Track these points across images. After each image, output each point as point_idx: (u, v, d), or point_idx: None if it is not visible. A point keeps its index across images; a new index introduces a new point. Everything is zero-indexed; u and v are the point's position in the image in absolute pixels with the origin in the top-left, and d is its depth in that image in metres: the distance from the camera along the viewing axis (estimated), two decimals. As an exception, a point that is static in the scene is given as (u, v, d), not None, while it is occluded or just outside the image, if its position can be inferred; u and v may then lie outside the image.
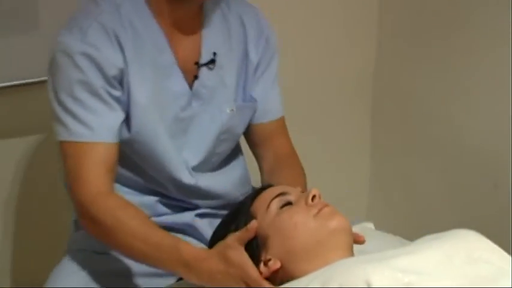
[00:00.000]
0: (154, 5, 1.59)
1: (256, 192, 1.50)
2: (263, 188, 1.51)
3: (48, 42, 1.92)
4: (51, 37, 1.91)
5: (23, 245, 2.18)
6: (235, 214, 1.50)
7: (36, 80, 1.95)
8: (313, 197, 1.42)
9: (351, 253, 1.41)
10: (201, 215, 1.71)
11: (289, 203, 1.44)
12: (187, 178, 1.66)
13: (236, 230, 1.44)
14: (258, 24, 1.72)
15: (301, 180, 1.71)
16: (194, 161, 1.66)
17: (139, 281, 1.64)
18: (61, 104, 1.53)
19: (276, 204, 1.44)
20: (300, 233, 1.39)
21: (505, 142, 2.08)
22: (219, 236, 1.49)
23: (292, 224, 1.39)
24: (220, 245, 1.39)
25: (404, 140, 2.41)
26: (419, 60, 2.32)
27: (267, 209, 1.43)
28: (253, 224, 1.37)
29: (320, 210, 1.40)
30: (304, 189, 1.64)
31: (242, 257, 1.35)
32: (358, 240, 1.47)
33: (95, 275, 1.63)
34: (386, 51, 2.43)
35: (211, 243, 1.50)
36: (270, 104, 1.77)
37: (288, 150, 1.79)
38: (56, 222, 1.96)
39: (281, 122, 1.80)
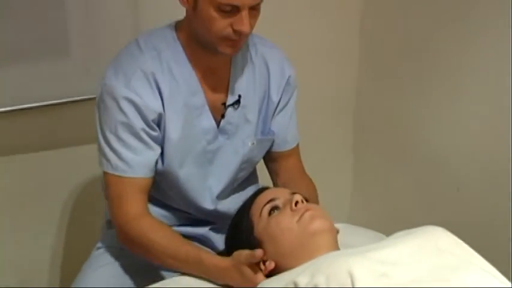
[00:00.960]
0: (190, 52, 1.56)
1: (254, 196, 1.53)
2: (260, 192, 1.54)
3: (78, 67, 1.94)
4: (81, 63, 1.94)
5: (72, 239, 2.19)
6: (240, 217, 1.54)
7: (66, 100, 1.96)
8: (296, 202, 1.43)
9: (336, 249, 1.42)
10: (215, 229, 1.73)
11: (277, 208, 1.45)
12: (208, 204, 1.66)
13: (241, 232, 1.50)
14: (281, 65, 1.69)
15: (311, 191, 1.71)
16: (218, 187, 1.66)
17: (164, 275, 1.64)
18: (106, 139, 1.53)
19: (266, 210, 1.46)
20: (286, 238, 1.40)
21: (465, 155, 2.09)
22: (229, 237, 1.56)
23: (279, 231, 1.41)
24: (235, 259, 1.43)
25: (382, 152, 2.40)
26: (396, 81, 2.31)
27: (260, 216, 1.46)
28: (259, 252, 1.39)
29: (302, 215, 1.41)
30: (315, 200, 1.70)
31: (252, 275, 1.40)
32: None
33: (123, 268, 1.65)
34: (367, 73, 2.42)
35: (227, 243, 1.57)
36: (288, 135, 1.75)
37: (300, 168, 1.78)
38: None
39: (297, 148, 1.78)
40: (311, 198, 1.56)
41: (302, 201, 1.44)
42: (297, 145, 1.77)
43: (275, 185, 1.76)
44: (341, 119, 2.49)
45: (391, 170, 2.35)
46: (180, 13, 1.87)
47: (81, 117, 1.96)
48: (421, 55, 2.19)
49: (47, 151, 2.02)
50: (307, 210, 1.41)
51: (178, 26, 1.57)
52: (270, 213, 1.45)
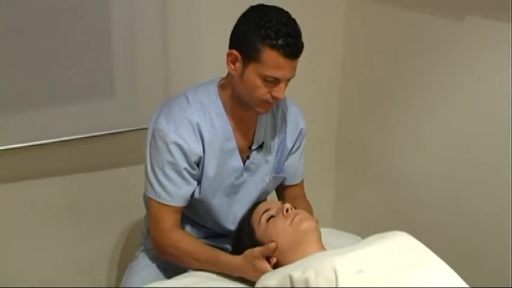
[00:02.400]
0: (228, 107, 1.54)
1: (252, 208, 1.56)
2: (256, 205, 1.56)
3: (121, 106, 1.94)
4: (123, 102, 1.92)
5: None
6: (242, 225, 1.57)
7: (112, 131, 1.92)
8: (287, 209, 1.46)
9: (321, 245, 1.44)
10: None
11: (272, 216, 1.47)
12: (230, 225, 1.65)
13: (245, 237, 1.51)
14: (296, 119, 1.67)
15: (309, 211, 1.66)
16: (240, 213, 1.63)
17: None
18: (153, 172, 1.52)
19: (264, 218, 1.49)
20: (282, 237, 1.42)
21: (425, 174, 2.05)
22: (236, 241, 1.57)
23: (276, 232, 1.44)
24: (248, 255, 1.43)
25: (359, 172, 2.37)
26: (371, 115, 2.28)
27: (259, 223, 1.49)
28: (272, 245, 1.41)
29: (293, 219, 1.43)
30: (311, 215, 1.65)
31: (265, 266, 1.41)
32: None
33: (163, 267, 1.64)
34: (346, 107, 2.39)
35: (234, 246, 1.58)
36: (296, 172, 1.72)
37: (302, 195, 1.75)
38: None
39: (302, 181, 1.76)
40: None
41: (291, 209, 1.47)
42: (302, 180, 1.76)
43: None
44: (325, 145, 2.46)
45: (366, 186, 2.32)
46: (200, 60, 1.86)
47: (124, 145, 1.97)
48: (391, 95, 2.16)
49: (98, 172, 2.00)
50: (296, 214, 1.44)
51: (220, 85, 1.56)
52: (267, 221, 1.47)
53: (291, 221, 1.42)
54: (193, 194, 1.56)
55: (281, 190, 1.75)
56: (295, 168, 1.71)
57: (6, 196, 1.88)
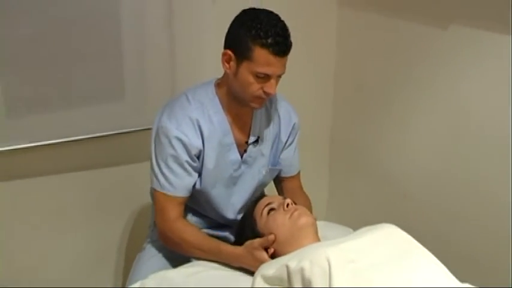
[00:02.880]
0: (225, 104, 1.57)
1: (256, 201, 1.58)
2: (259, 198, 1.59)
3: (130, 107, 1.96)
4: (133, 104, 1.95)
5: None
6: (246, 216, 1.59)
7: (122, 131, 1.95)
8: (288, 204, 1.48)
9: (317, 238, 1.46)
10: (233, 232, 1.71)
11: (273, 209, 1.50)
12: (231, 215, 1.68)
13: (247, 228, 1.53)
14: (289, 114, 1.70)
15: (307, 204, 1.70)
16: (239, 203, 1.67)
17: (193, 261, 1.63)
18: (158, 165, 1.55)
19: (265, 211, 1.51)
20: (281, 230, 1.45)
21: (409, 173, 2.10)
22: (239, 231, 1.59)
23: (275, 225, 1.46)
24: (249, 246, 1.46)
25: (350, 170, 2.39)
26: (362, 118, 2.29)
27: (261, 215, 1.51)
28: (271, 237, 1.43)
29: (292, 213, 1.45)
30: (310, 209, 1.67)
31: (264, 256, 1.45)
32: None
33: (169, 257, 1.67)
34: (339, 110, 2.42)
35: (237, 236, 1.61)
36: (292, 165, 1.75)
37: (299, 187, 1.78)
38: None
39: (298, 173, 1.78)
40: (307, 208, 1.59)
41: (292, 204, 1.49)
42: (298, 172, 1.79)
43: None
44: (319, 143, 2.48)
45: (358, 182, 2.34)
46: (204, 65, 1.88)
47: (133, 144, 2.00)
48: (382, 96, 2.18)
49: (108, 168, 2.02)
50: (295, 210, 1.47)
51: (217, 83, 1.59)
52: (268, 213, 1.49)
53: (290, 216, 1.44)
54: (194, 185, 1.59)
55: (278, 182, 1.78)
56: (290, 161, 1.73)
57: (25, 191, 1.90)
